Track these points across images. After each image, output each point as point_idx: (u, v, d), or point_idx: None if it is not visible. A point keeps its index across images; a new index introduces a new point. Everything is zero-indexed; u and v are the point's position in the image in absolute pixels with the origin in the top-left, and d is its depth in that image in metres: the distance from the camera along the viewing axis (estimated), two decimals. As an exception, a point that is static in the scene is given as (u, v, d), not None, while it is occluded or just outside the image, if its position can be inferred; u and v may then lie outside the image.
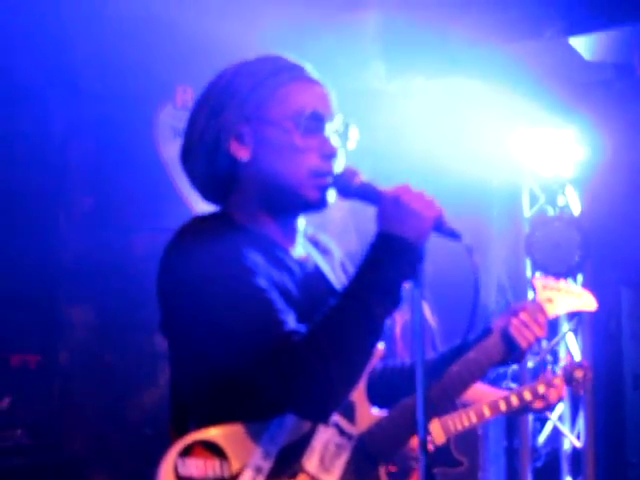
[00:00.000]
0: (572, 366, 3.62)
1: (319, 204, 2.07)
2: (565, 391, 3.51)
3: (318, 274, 2.17)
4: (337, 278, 2.22)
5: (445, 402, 2.43)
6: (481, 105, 5.07)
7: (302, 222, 2.16)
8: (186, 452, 1.95)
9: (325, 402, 1.90)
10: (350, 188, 1.99)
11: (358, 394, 2.19)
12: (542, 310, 2.45)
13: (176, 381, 2.12)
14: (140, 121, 5.08)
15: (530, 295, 5.55)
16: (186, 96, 5.23)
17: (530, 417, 5.49)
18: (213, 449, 1.96)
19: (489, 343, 2.37)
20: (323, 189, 2.05)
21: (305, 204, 2.07)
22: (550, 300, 2.62)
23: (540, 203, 5.69)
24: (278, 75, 2.06)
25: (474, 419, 3.38)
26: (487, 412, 3.38)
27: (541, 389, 3.37)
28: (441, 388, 2.33)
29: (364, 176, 1.99)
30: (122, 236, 5.01)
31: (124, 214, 5.04)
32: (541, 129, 5.46)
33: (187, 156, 2.11)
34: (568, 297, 2.77)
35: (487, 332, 2.40)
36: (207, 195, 2.15)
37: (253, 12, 4.72)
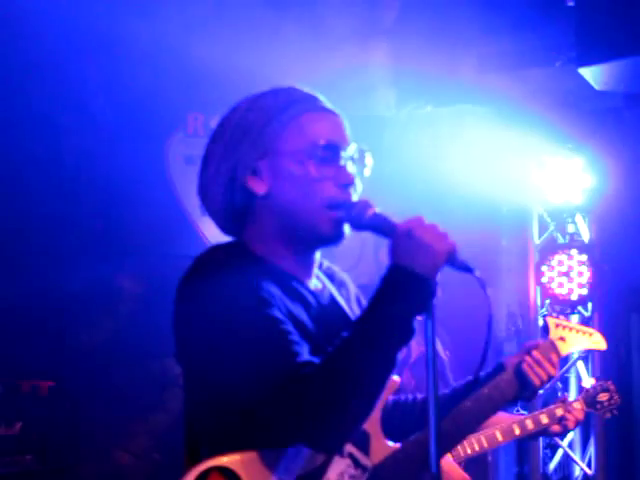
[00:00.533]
0: (595, 389, 3.57)
1: (334, 238, 2.05)
2: (584, 414, 3.41)
3: (334, 306, 2.17)
4: (352, 311, 2.21)
5: (457, 438, 2.42)
6: (490, 133, 5.08)
7: (318, 254, 2.15)
8: (202, 479, 1.94)
9: (336, 433, 1.91)
10: (363, 220, 1.97)
11: (373, 425, 2.17)
12: (555, 348, 2.48)
13: (190, 408, 2.11)
14: (151, 148, 5.10)
15: (540, 322, 5.53)
16: (197, 123, 5.25)
17: (540, 444, 5.44)
18: (229, 476, 1.95)
19: (502, 380, 2.36)
20: (338, 223, 2.04)
21: (320, 238, 2.06)
22: (563, 339, 2.64)
23: (550, 231, 5.68)
24: (291, 108, 2.06)
25: (485, 444, 3.34)
26: (500, 437, 3.33)
27: (559, 412, 3.29)
28: (453, 424, 2.30)
29: (377, 208, 1.97)
30: (133, 262, 5.01)
31: (135, 240, 5.04)
32: (550, 156, 5.45)
33: (204, 192, 2.11)
34: (580, 336, 2.80)
35: (500, 369, 2.40)
36: (225, 228, 2.14)
37: (263, 41, 4.75)
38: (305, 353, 1.91)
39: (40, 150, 4.85)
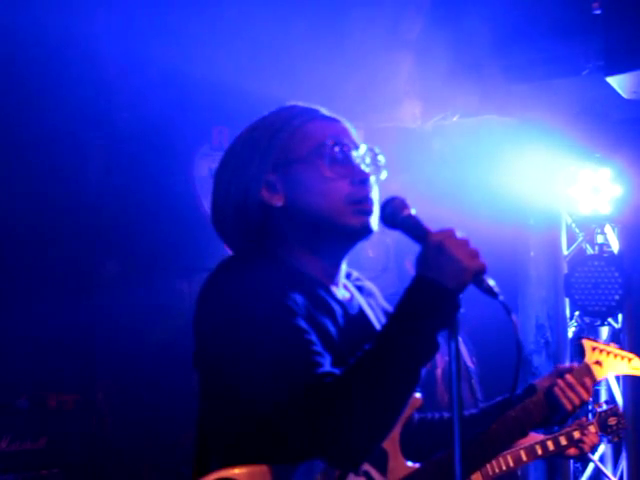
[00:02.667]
0: (606, 412, 3.54)
1: (362, 230, 2.02)
2: (598, 438, 3.42)
3: (361, 317, 2.11)
4: (379, 323, 2.14)
5: (482, 461, 2.32)
6: (516, 143, 5.00)
7: (345, 263, 2.11)
8: None
9: (354, 449, 1.82)
10: (397, 218, 1.90)
11: (391, 444, 2.08)
12: (590, 372, 2.44)
13: (204, 416, 2.06)
14: (178, 162, 5.08)
15: (570, 334, 5.41)
16: (222, 137, 5.22)
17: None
18: None
19: (531, 402, 2.30)
20: (364, 214, 2.01)
21: (348, 232, 2.02)
22: (599, 363, 2.57)
23: (578, 241, 5.56)
24: (294, 119, 2.07)
25: (511, 463, 3.25)
26: (524, 457, 3.27)
27: (576, 435, 3.25)
28: (479, 446, 2.22)
29: (413, 210, 1.92)
30: (160, 276, 4.97)
31: (162, 254, 5.00)
32: (578, 167, 5.36)
33: (217, 217, 2.10)
34: (618, 361, 2.73)
35: (531, 391, 2.35)
36: (241, 247, 2.10)
37: (288, 56, 4.69)
38: (327, 364, 1.85)
39: (67, 166, 4.84)
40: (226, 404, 1.94)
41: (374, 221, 2.02)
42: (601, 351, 2.65)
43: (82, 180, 4.86)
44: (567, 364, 2.45)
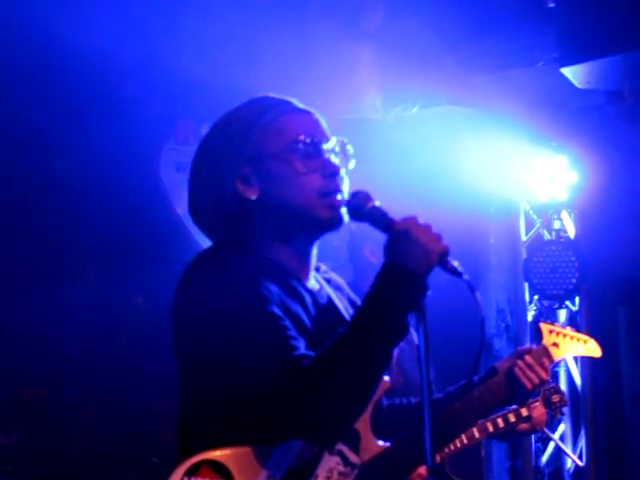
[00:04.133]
0: (549, 390, 3.63)
1: (333, 222, 2.09)
2: (545, 414, 3.53)
3: (330, 306, 2.19)
4: (348, 313, 2.21)
5: (448, 438, 2.40)
6: (476, 133, 5.05)
7: (315, 255, 2.17)
8: (192, 471, 1.94)
9: (329, 426, 1.91)
10: (363, 210, 1.99)
11: (363, 424, 2.17)
12: (548, 354, 2.53)
13: (185, 403, 2.11)
14: (144, 156, 5.05)
15: (529, 318, 5.49)
16: (188, 131, 5.20)
17: (532, 438, 5.40)
18: (219, 470, 1.96)
19: (493, 383, 2.40)
20: (335, 207, 2.07)
21: (320, 224, 2.09)
22: (556, 345, 2.68)
23: (536, 227, 5.64)
24: (267, 113, 2.11)
25: (465, 441, 3.37)
26: (477, 434, 3.37)
27: (524, 412, 3.35)
28: (444, 425, 2.32)
29: (377, 202, 2.00)
30: (128, 268, 4.96)
31: (130, 247, 4.99)
32: (535, 155, 5.42)
33: (195, 210, 2.14)
34: (574, 343, 2.84)
35: (492, 372, 2.43)
36: (218, 238, 2.15)
37: (251, 49, 4.70)
38: (302, 347, 1.93)
39: (33, 162, 4.82)
40: (207, 390, 1.99)
41: (344, 214, 2.07)
42: (558, 334, 2.76)
43: (50, 173, 4.84)
44: (526, 346, 2.55)
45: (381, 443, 2.20)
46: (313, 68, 4.78)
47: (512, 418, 3.36)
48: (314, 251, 2.17)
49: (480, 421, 3.40)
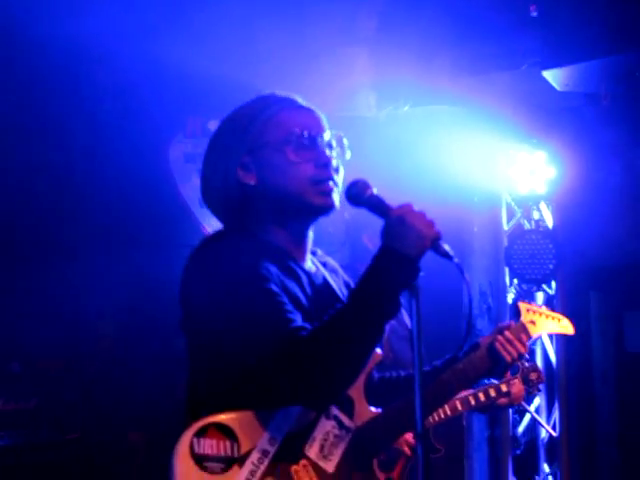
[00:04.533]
0: (528, 368, 3.68)
1: (324, 208, 2.18)
2: (523, 389, 3.57)
3: (326, 285, 2.28)
4: (342, 294, 2.31)
5: (434, 406, 2.52)
6: (463, 131, 5.13)
7: (311, 238, 2.27)
8: (201, 433, 2.01)
9: (324, 391, 2.02)
10: (362, 197, 2.05)
11: (357, 392, 2.26)
12: (525, 330, 2.59)
13: (193, 374, 2.19)
14: (155, 148, 5.13)
15: (509, 300, 5.61)
16: (195, 125, 5.29)
17: (510, 409, 5.51)
18: (225, 431, 2.03)
19: (476, 357, 2.47)
20: (326, 194, 2.17)
21: (312, 209, 2.18)
22: (533, 322, 2.72)
23: (517, 217, 5.75)
24: (270, 107, 2.22)
25: (449, 412, 3.41)
26: (459, 406, 3.38)
27: (504, 387, 3.39)
28: (431, 395, 2.38)
29: (375, 190, 2.07)
30: (137, 252, 5.04)
31: (139, 232, 5.07)
32: (517, 151, 5.52)
33: (206, 194, 2.27)
34: (549, 321, 2.88)
35: (475, 347, 2.50)
36: (226, 221, 2.27)
37: (254, 50, 4.79)
38: (299, 320, 2.02)
39: (49, 152, 4.87)
40: (212, 360, 2.09)
41: (335, 199, 2.18)
42: (534, 312, 2.78)
43: (65, 166, 4.90)
44: (506, 323, 2.59)
45: (374, 409, 2.28)
46: (311, 67, 4.87)
47: (492, 393, 3.36)
48: (310, 234, 2.26)
49: (463, 394, 3.48)
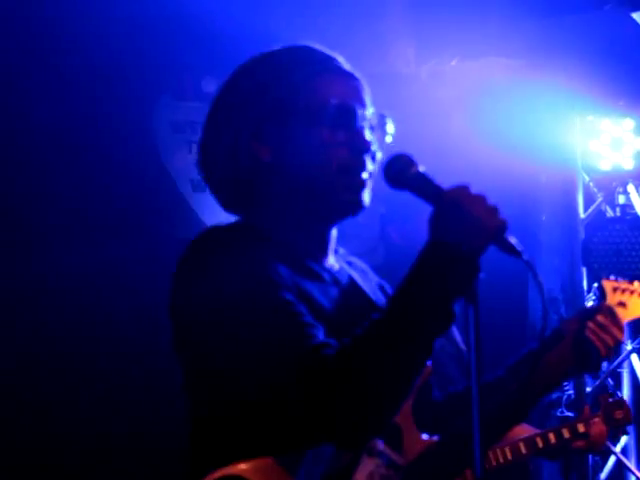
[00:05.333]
0: (612, 405, 3.61)
1: (353, 206, 2.10)
2: (606, 430, 3.52)
3: (353, 286, 2.21)
4: (377, 298, 2.24)
5: (506, 426, 2.48)
6: (525, 90, 5.06)
7: (334, 237, 2.19)
8: None
9: (361, 426, 1.91)
10: (405, 176, 1.93)
11: (404, 418, 2.19)
12: (614, 315, 2.49)
13: (194, 408, 2.13)
14: (135, 113, 5.07)
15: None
16: (186, 85, 5.24)
17: (589, 452, 5.45)
18: None
19: (560, 350, 2.40)
20: (356, 189, 2.08)
21: (335, 208, 2.11)
22: (623, 304, 2.63)
23: (597, 203, 5.66)
24: (305, 67, 2.12)
25: (509, 455, 3.40)
26: (523, 449, 3.39)
27: (581, 428, 3.35)
28: (499, 411, 2.38)
29: (422, 167, 1.94)
30: (119, 243, 5.02)
31: (122, 219, 5.04)
32: (596, 117, 5.44)
33: (206, 165, 2.18)
34: None
35: (556, 337, 2.43)
36: (228, 202, 2.20)
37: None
38: (321, 335, 1.93)
39: (9, 115, 4.84)
40: (216, 392, 2.01)
41: (366, 197, 2.09)
42: (624, 291, 2.72)
43: (24, 128, 4.86)
44: (592, 306, 2.56)
45: (426, 438, 2.22)
46: (336, 15, 4.80)
47: (566, 434, 3.33)
48: (333, 233, 2.18)
49: (528, 433, 3.41)
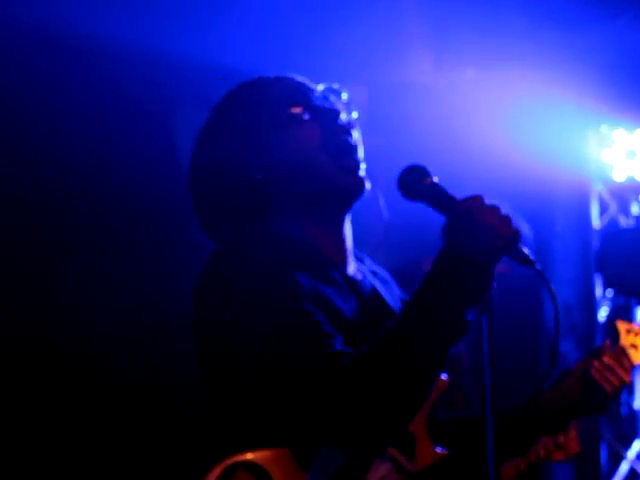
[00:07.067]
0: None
1: (353, 187, 2.18)
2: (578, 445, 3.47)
3: (376, 296, 2.24)
4: (398, 309, 2.25)
5: (512, 453, 2.48)
6: (542, 100, 5.06)
7: (350, 237, 2.24)
8: (227, 475, 1.99)
9: (375, 433, 1.96)
10: (419, 188, 1.97)
11: (418, 427, 2.20)
12: (627, 355, 2.51)
13: (218, 411, 2.19)
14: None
15: (601, 317, 5.54)
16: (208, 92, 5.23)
17: (602, 456, 5.46)
18: (258, 474, 2.01)
19: (566, 387, 2.41)
20: (351, 171, 2.17)
21: (339, 192, 2.18)
22: (635, 346, 2.63)
23: (611, 212, 5.67)
24: (278, 103, 2.22)
25: (513, 471, 3.34)
26: (523, 466, 3.33)
27: (561, 439, 3.32)
28: (515, 435, 2.36)
29: (436, 178, 1.97)
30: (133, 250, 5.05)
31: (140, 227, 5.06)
32: (611, 126, 5.45)
33: (204, 197, 2.24)
34: None
35: (565, 374, 2.44)
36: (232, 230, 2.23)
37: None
38: (339, 344, 1.97)
39: (30, 120, 4.87)
40: (240, 395, 2.08)
41: (362, 171, 2.18)
42: (637, 334, 2.67)
43: (42, 128, 4.90)
44: (602, 345, 2.51)
45: (439, 450, 2.22)
46: (354, 23, 4.82)
47: (550, 444, 3.23)
48: (347, 231, 2.23)
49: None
